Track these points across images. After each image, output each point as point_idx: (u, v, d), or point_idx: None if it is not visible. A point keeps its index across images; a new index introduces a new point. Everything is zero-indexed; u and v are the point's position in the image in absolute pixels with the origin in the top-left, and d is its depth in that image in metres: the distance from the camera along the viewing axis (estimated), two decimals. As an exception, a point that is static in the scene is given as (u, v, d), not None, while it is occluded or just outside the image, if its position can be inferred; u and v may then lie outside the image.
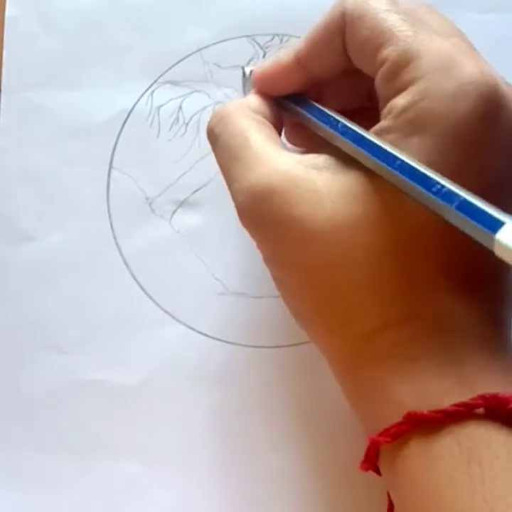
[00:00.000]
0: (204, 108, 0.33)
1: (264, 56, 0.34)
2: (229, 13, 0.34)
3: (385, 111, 0.23)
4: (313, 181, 0.23)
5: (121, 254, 0.32)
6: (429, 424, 0.20)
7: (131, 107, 0.33)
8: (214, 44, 0.34)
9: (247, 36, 0.34)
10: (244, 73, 0.31)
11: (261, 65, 0.28)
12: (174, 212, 0.33)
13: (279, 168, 0.23)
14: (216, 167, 0.33)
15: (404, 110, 0.22)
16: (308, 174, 0.23)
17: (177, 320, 0.31)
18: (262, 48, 0.34)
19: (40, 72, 0.34)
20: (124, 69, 0.34)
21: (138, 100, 0.34)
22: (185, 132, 0.33)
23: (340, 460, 0.30)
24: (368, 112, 0.27)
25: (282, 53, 0.27)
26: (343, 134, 0.24)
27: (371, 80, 0.24)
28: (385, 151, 0.21)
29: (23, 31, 0.34)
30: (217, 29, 0.34)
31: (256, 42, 0.34)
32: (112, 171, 0.33)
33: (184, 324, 0.31)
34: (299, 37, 0.33)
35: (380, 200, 0.22)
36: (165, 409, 0.31)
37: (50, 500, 0.30)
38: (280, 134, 0.27)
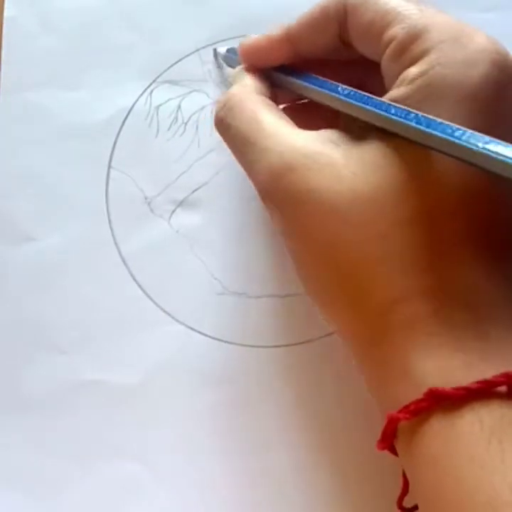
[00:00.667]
0: (203, 107, 0.33)
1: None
2: (227, 13, 0.34)
3: (396, 83, 0.23)
4: (331, 155, 0.23)
5: (120, 253, 0.32)
6: (451, 401, 0.20)
7: (130, 107, 0.33)
8: (212, 44, 0.34)
9: (246, 36, 0.34)
10: (216, 54, 0.32)
11: (249, 38, 0.28)
12: (173, 211, 0.33)
13: (295, 144, 0.23)
14: (215, 167, 0.33)
15: (417, 78, 0.22)
16: (325, 148, 0.23)
17: (176, 320, 0.31)
18: (260, 47, 0.34)
19: (39, 72, 0.34)
20: (123, 69, 0.34)
21: (137, 100, 0.34)
22: (184, 132, 0.33)
23: (341, 459, 0.30)
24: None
25: (273, 28, 0.27)
26: (351, 98, 0.23)
27: (361, 65, 0.24)
28: (398, 107, 0.21)
29: (22, 31, 0.34)
30: (215, 29, 0.34)
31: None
32: (111, 170, 0.33)
33: (183, 324, 0.31)
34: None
35: (401, 171, 0.22)
36: (164, 409, 0.30)
37: (50, 500, 0.30)
38: None
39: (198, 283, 0.32)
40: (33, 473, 0.30)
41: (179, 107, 0.33)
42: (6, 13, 0.34)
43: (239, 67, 0.28)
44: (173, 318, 0.31)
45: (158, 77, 0.34)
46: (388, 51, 0.23)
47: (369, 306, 0.22)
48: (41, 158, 0.33)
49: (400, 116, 0.21)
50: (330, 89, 0.25)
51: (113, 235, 0.32)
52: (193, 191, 0.33)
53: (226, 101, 0.26)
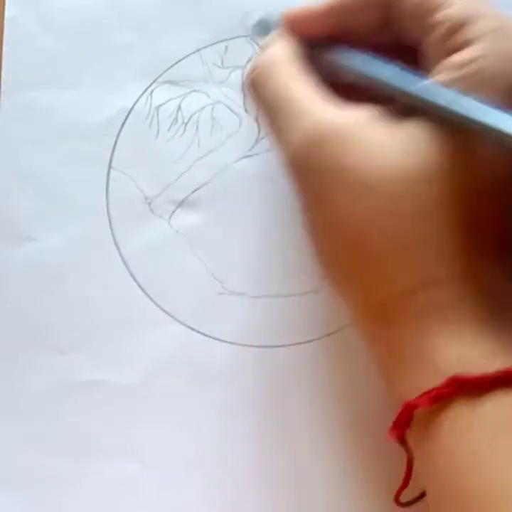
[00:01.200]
0: (203, 108, 0.33)
1: (263, 56, 0.34)
2: (228, 13, 0.34)
3: (438, 68, 0.22)
4: (371, 130, 0.22)
5: (120, 253, 0.32)
6: (473, 389, 0.20)
7: (130, 107, 0.33)
8: (213, 44, 0.34)
9: (246, 36, 0.34)
10: (252, 17, 0.31)
11: (293, 7, 0.27)
12: (173, 212, 0.33)
13: (331, 115, 0.23)
14: (215, 167, 0.33)
15: (464, 65, 0.21)
16: (361, 123, 0.22)
17: (176, 320, 0.31)
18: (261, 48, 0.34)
19: (39, 72, 0.34)
20: (123, 69, 0.34)
21: (137, 100, 0.33)
22: (184, 132, 0.33)
23: (342, 459, 0.30)
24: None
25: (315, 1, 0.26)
26: (397, 79, 0.23)
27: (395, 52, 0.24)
28: (447, 91, 0.21)
29: (23, 31, 0.34)
30: (216, 29, 0.34)
31: (255, 42, 0.34)
32: (111, 170, 0.33)
33: (183, 324, 0.31)
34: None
35: (444, 152, 0.21)
36: (164, 409, 0.31)
37: (50, 500, 0.30)
38: None
39: (198, 283, 0.32)
40: (33, 473, 0.30)
41: (179, 107, 0.33)
42: (6, 14, 0.34)
43: (274, 33, 0.27)
44: (173, 318, 0.31)
45: (158, 77, 0.34)
46: (435, 33, 0.23)
47: (393, 287, 0.22)
48: (41, 159, 0.33)
49: (449, 101, 0.21)
50: (374, 67, 0.24)
51: (113, 235, 0.32)
52: (193, 191, 0.33)
53: (261, 63, 0.26)
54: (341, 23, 0.26)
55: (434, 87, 0.22)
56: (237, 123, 0.33)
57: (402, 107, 0.23)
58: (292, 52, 0.26)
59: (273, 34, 0.28)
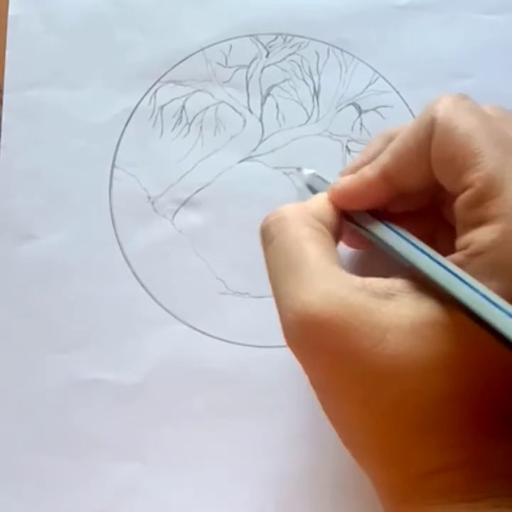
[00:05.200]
0: (207, 108, 0.33)
1: (267, 55, 0.34)
2: (232, 13, 0.34)
3: (462, 241, 0.22)
4: (375, 313, 0.21)
5: (123, 253, 0.32)
6: None
7: (134, 106, 0.33)
8: (217, 43, 0.34)
9: (251, 36, 0.34)
10: (301, 173, 0.29)
11: (342, 179, 0.26)
12: (176, 211, 0.33)
13: (337, 292, 0.21)
14: (219, 167, 0.33)
15: (485, 251, 0.21)
16: (369, 303, 0.21)
17: (178, 319, 0.31)
18: (265, 47, 0.34)
19: (43, 71, 0.34)
20: (127, 68, 0.34)
21: (141, 99, 0.34)
22: (188, 132, 0.33)
23: (345, 458, 0.29)
24: (426, 212, 0.27)
25: (367, 168, 0.25)
26: (420, 262, 0.22)
27: (442, 188, 0.23)
28: (471, 284, 0.20)
29: (26, 30, 0.34)
30: (220, 28, 0.34)
31: (259, 41, 0.34)
32: (115, 170, 0.33)
33: (186, 323, 0.31)
34: (302, 37, 0.34)
35: (451, 343, 0.20)
36: (166, 408, 0.30)
37: (50, 500, 0.30)
38: (338, 242, 0.25)
39: (201, 282, 0.32)
40: (33, 473, 0.30)
41: (183, 107, 0.33)
42: (10, 12, 0.34)
43: (320, 194, 0.26)
44: (175, 317, 0.31)
45: (162, 76, 0.34)
46: (463, 197, 0.22)
47: (404, 470, 0.21)
48: (45, 157, 0.33)
49: (466, 290, 0.20)
50: (406, 250, 0.23)
51: (116, 234, 0.32)
52: (197, 191, 0.33)
53: (279, 212, 0.24)
54: (397, 185, 0.25)
55: (447, 269, 0.21)
56: (241, 123, 0.33)
57: (419, 280, 0.22)
58: (315, 209, 0.25)
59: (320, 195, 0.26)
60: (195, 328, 0.31)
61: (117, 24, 0.34)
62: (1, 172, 0.33)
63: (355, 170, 0.26)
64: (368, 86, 0.34)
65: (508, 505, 0.20)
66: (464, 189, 0.22)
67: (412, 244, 0.23)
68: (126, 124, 0.33)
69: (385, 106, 0.33)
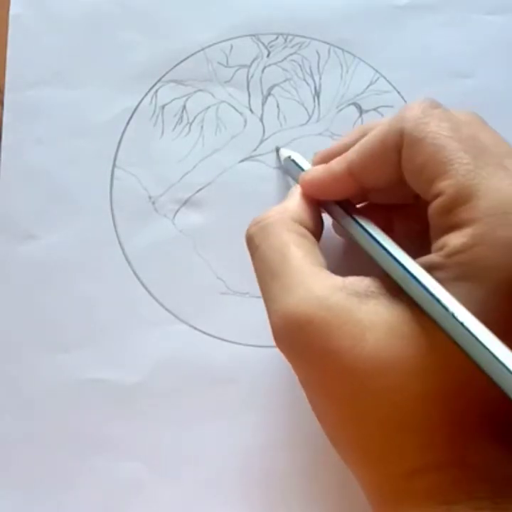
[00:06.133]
0: (208, 108, 0.33)
1: (268, 55, 0.34)
2: (233, 12, 0.34)
3: (437, 244, 0.22)
4: (355, 312, 0.21)
5: (123, 252, 0.32)
6: None
7: (135, 106, 0.33)
8: (218, 43, 0.34)
9: (252, 35, 0.34)
10: (278, 154, 0.32)
11: (311, 169, 0.27)
12: (177, 211, 0.33)
13: (318, 293, 0.22)
14: (219, 167, 0.33)
15: (457, 252, 0.21)
16: (348, 303, 0.21)
17: (179, 319, 0.31)
18: (266, 47, 0.34)
19: (44, 71, 0.34)
20: (128, 67, 0.34)
21: (142, 99, 0.34)
22: (189, 132, 0.33)
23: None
24: (410, 210, 0.27)
25: (334, 162, 0.26)
26: (391, 261, 0.22)
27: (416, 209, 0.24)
28: (437, 296, 0.20)
29: (28, 29, 0.34)
30: (221, 28, 0.34)
31: (260, 41, 0.34)
32: (116, 169, 0.33)
33: (186, 323, 0.31)
34: (303, 37, 0.34)
35: (428, 343, 0.21)
36: (167, 409, 0.30)
37: (51, 500, 0.30)
38: (319, 239, 0.26)
39: (202, 282, 0.32)
40: (33, 473, 0.30)
41: (184, 106, 0.33)
42: (11, 11, 0.34)
43: (295, 187, 0.27)
44: (176, 317, 0.31)
45: (163, 76, 0.34)
46: (435, 205, 0.22)
47: (386, 470, 0.22)
48: (46, 157, 0.33)
49: (432, 295, 0.20)
50: (373, 239, 0.23)
51: (117, 234, 0.32)
52: (197, 191, 0.33)
53: (260, 220, 0.25)
54: (362, 182, 0.25)
55: (415, 273, 0.21)
56: (242, 123, 0.33)
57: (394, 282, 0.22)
58: (297, 211, 0.26)
59: (295, 187, 0.27)
60: (195, 328, 0.31)
61: (118, 24, 0.34)
62: (1, 172, 0.33)
63: (327, 158, 0.27)
64: (368, 86, 0.34)
65: (490, 507, 0.20)
66: (436, 196, 0.22)
67: (376, 240, 0.23)
68: (127, 124, 0.33)
69: (386, 106, 0.33)
